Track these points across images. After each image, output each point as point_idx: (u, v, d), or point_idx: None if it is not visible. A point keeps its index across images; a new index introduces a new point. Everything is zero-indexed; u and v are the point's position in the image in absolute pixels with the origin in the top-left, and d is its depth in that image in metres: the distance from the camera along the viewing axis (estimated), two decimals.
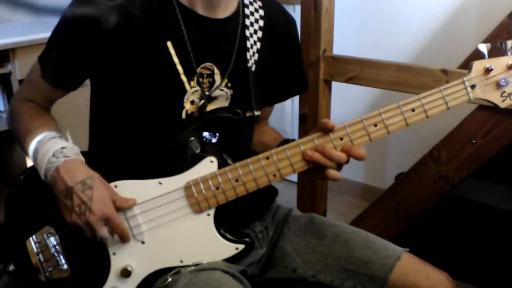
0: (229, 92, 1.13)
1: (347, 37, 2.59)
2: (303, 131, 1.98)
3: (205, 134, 1.08)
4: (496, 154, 1.65)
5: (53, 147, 1.01)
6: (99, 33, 1.02)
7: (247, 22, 1.15)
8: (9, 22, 2.69)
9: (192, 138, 1.06)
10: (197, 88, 1.08)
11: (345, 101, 2.49)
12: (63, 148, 1.01)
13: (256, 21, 1.17)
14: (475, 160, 1.68)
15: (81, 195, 0.97)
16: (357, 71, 1.79)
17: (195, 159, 1.05)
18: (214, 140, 1.09)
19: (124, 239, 1.03)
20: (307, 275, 1.18)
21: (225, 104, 1.13)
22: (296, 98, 1.91)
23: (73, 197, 0.97)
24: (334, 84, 1.91)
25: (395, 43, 2.59)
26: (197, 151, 1.06)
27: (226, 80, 1.12)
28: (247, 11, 1.16)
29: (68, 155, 1.00)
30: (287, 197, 1.40)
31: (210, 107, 1.11)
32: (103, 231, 0.99)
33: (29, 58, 2.39)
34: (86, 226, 0.98)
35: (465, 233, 2.08)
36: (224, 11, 1.12)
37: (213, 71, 1.11)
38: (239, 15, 1.14)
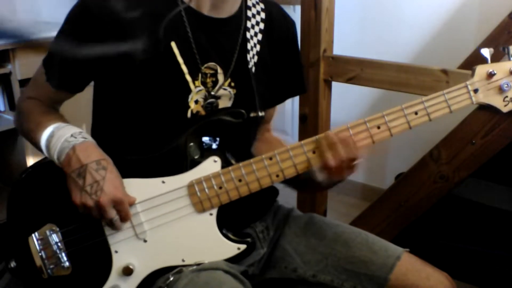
0: (232, 91, 1.13)
1: (347, 37, 2.59)
2: (303, 131, 1.98)
3: (205, 139, 1.07)
4: (496, 154, 1.65)
5: (71, 130, 1.03)
6: (103, 34, 1.02)
7: (249, 24, 1.15)
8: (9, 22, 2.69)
9: (191, 143, 1.06)
10: (202, 87, 1.08)
11: (345, 101, 2.49)
12: (81, 132, 1.03)
13: (257, 23, 1.17)
14: (475, 160, 1.68)
15: (94, 174, 0.97)
16: (357, 71, 1.79)
17: (195, 165, 1.05)
18: (214, 146, 1.08)
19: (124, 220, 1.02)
20: (307, 275, 1.18)
21: (229, 103, 1.13)
22: (296, 98, 1.91)
23: (86, 175, 0.97)
24: (334, 84, 1.91)
25: (395, 43, 2.59)
26: (196, 157, 1.06)
27: (229, 80, 1.12)
28: (249, 13, 1.16)
29: (86, 137, 1.02)
30: (287, 197, 1.39)
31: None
32: (112, 213, 0.99)
33: (29, 58, 2.39)
34: (96, 206, 0.98)
35: (465, 233, 2.08)
36: (229, 11, 1.12)
37: (216, 70, 1.11)
38: (242, 15, 1.14)
